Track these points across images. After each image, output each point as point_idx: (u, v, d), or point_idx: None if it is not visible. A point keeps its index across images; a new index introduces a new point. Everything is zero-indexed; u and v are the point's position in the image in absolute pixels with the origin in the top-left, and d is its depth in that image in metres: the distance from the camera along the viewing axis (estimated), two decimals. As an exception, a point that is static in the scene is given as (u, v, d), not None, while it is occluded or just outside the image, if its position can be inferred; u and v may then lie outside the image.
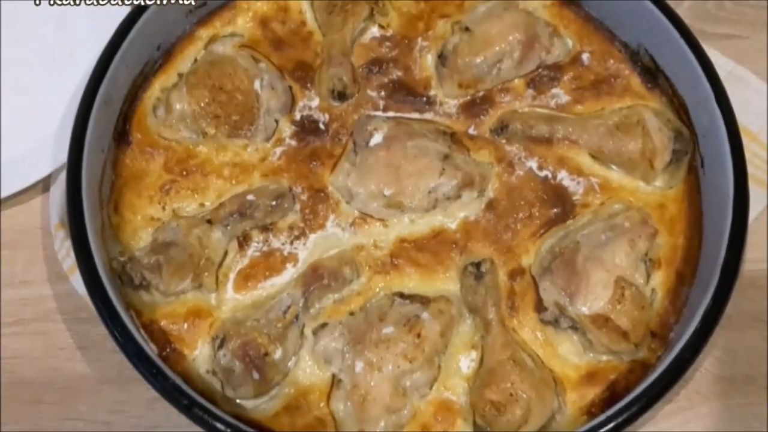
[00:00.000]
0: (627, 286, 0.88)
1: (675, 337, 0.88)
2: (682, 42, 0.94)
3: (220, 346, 0.86)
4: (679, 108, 0.98)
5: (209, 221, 0.92)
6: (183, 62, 1.01)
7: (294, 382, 0.88)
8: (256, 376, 0.85)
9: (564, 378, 0.88)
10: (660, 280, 0.91)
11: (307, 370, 0.88)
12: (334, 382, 0.87)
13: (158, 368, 0.81)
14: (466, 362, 0.89)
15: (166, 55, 1.01)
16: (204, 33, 1.03)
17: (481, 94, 1.00)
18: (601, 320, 0.87)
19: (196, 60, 1.02)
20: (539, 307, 0.91)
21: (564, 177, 0.97)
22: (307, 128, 0.99)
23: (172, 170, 0.96)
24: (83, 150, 0.89)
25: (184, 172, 0.96)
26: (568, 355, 0.89)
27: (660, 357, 0.87)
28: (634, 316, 0.87)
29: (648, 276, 0.91)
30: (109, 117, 0.95)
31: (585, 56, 1.02)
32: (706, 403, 0.93)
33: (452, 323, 0.89)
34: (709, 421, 0.93)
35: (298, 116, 1.00)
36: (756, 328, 0.96)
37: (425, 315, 0.88)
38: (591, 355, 0.89)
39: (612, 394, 0.86)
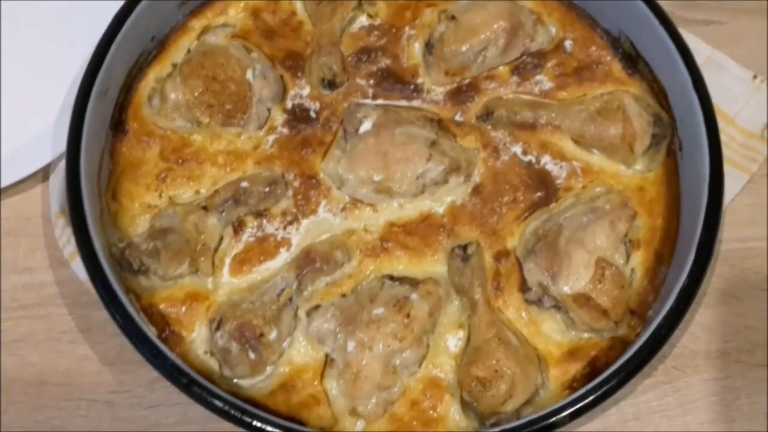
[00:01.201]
0: (607, 266, 0.91)
1: (653, 314, 0.92)
2: (660, 28, 0.97)
3: (217, 328, 0.90)
4: (659, 93, 1.01)
5: (205, 208, 0.95)
6: (177, 53, 1.03)
7: (288, 361, 0.91)
8: (252, 356, 0.88)
9: (547, 355, 0.91)
10: (639, 260, 0.95)
11: (301, 350, 0.92)
12: (327, 361, 0.91)
13: (158, 349, 0.84)
14: (453, 341, 0.92)
15: (160, 46, 1.03)
16: (197, 24, 1.04)
17: (467, 81, 1.03)
18: (583, 299, 0.90)
19: (189, 50, 1.04)
20: (523, 287, 0.94)
21: (547, 161, 1.00)
22: (298, 116, 1.01)
23: (167, 158, 0.98)
24: (81, 140, 0.92)
25: (180, 161, 0.99)
26: (551, 333, 0.93)
27: (639, 334, 0.91)
28: (614, 295, 0.91)
29: (627, 256, 0.95)
30: (105, 107, 0.97)
31: (568, 43, 1.04)
32: (682, 378, 0.97)
33: (440, 304, 0.92)
34: (686, 394, 0.96)
35: (289, 105, 1.02)
36: (729, 305, 0.99)
37: (414, 296, 0.91)
38: (573, 332, 0.93)
39: (593, 370, 0.90)
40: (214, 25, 1.05)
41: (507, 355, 0.88)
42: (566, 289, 0.91)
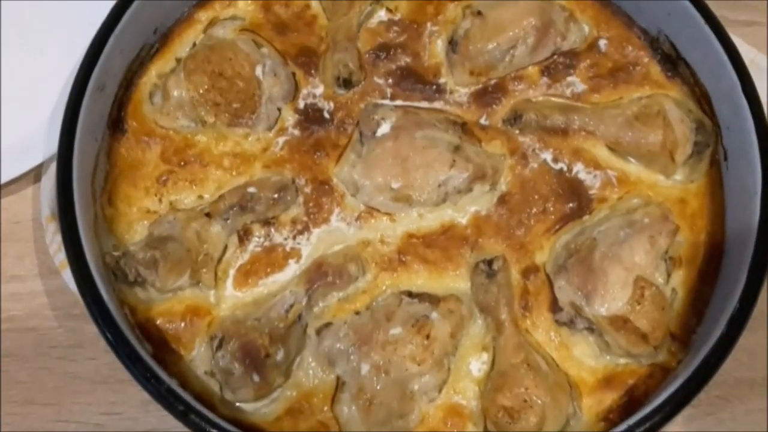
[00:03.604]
0: (647, 285, 0.84)
1: (696, 339, 0.85)
2: (706, 28, 0.90)
3: (219, 347, 0.82)
4: (701, 98, 0.94)
5: (208, 214, 0.88)
6: (181, 47, 0.97)
7: (296, 384, 0.84)
8: (256, 378, 0.81)
9: (580, 382, 0.84)
10: (681, 279, 0.88)
11: (310, 372, 0.85)
12: (339, 384, 0.84)
13: (152, 371, 0.77)
14: (476, 365, 0.85)
15: (163, 39, 0.97)
16: (203, 16, 0.98)
17: (493, 82, 0.97)
18: (620, 321, 0.83)
19: (194, 44, 0.98)
20: (554, 307, 0.87)
21: (580, 170, 0.93)
22: (311, 117, 0.95)
23: (169, 160, 0.92)
24: (75, 138, 0.85)
25: (182, 163, 0.92)
26: (583, 358, 0.86)
27: (681, 361, 0.83)
28: (653, 317, 0.83)
29: (668, 275, 0.87)
30: (103, 104, 0.91)
31: (602, 43, 0.98)
32: (728, 408, 0.90)
33: (462, 323, 0.85)
34: (731, 426, 0.89)
35: (301, 104, 0.96)
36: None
37: (434, 315, 0.84)
38: (608, 357, 0.85)
39: (630, 400, 0.83)
40: (222, 18, 0.99)
41: (536, 383, 0.81)
42: (602, 310, 0.84)
